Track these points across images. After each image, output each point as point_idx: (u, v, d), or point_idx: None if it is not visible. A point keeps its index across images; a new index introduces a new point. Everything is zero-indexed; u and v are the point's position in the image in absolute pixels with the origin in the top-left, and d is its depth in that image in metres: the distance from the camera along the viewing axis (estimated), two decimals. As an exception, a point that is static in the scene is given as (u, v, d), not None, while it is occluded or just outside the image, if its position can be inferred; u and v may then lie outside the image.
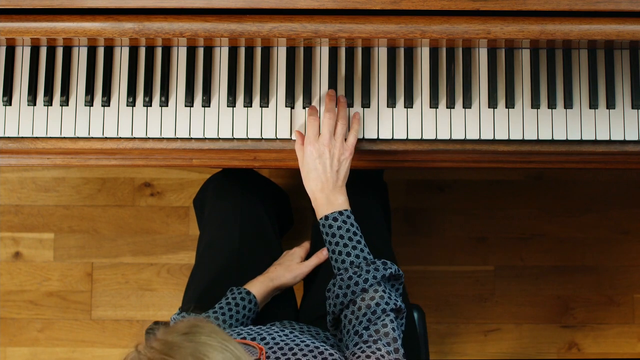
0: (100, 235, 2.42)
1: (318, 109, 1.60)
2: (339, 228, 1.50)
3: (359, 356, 1.33)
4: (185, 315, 1.53)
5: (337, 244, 1.50)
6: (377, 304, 1.41)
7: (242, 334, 1.41)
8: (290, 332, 1.42)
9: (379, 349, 1.35)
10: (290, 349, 1.34)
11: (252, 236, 1.76)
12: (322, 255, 1.71)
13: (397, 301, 1.44)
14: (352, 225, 1.51)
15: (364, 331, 1.39)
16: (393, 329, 1.39)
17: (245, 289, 1.61)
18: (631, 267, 2.38)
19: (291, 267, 1.70)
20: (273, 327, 1.45)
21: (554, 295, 2.38)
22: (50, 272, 2.42)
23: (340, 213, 1.51)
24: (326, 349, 1.36)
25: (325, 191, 1.52)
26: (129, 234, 2.42)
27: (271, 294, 1.66)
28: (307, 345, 1.36)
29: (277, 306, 1.68)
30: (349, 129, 1.58)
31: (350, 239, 1.50)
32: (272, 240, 1.80)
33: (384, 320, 1.40)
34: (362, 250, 1.49)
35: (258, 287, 1.63)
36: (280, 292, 1.70)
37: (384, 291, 1.43)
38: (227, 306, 1.57)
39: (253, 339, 1.37)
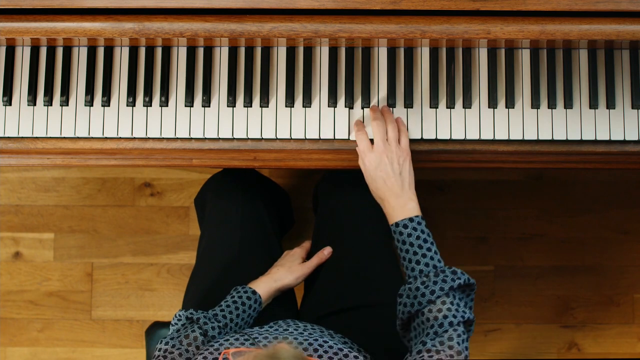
0: (100, 235, 2.42)
1: (318, 108, 1.61)
2: (409, 235, 1.46)
3: None
4: (197, 316, 1.51)
5: (407, 251, 1.46)
6: (445, 317, 1.37)
7: (257, 337, 1.40)
8: (310, 334, 1.41)
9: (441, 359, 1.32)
10: (315, 350, 1.33)
11: (253, 236, 1.75)
12: (323, 255, 1.71)
13: (466, 313, 1.39)
14: (422, 232, 1.47)
15: (428, 341, 1.36)
16: (458, 343, 1.35)
17: (250, 288, 1.60)
18: (631, 267, 2.38)
19: (293, 268, 1.69)
20: (289, 328, 1.44)
21: (554, 295, 2.38)
22: (50, 272, 2.42)
23: (411, 220, 1.47)
24: (350, 351, 1.35)
25: (394, 197, 1.49)
26: (129, 234, 2.42)
27: (273, 295, 1.66)
28: (331, 347, 1.36)
29: (277, 306, 1.67)
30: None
31: (420, 246, 1.45)
32: (272, 240, 1.79)
33: (450, 334, 1.36)
34: (432, 258, 1.45)
35: (262, 287, 1.62)
36: (281, 293, 1.69)
37: (451, 303, 1.38)
38: (234, 305, 1.56)
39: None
